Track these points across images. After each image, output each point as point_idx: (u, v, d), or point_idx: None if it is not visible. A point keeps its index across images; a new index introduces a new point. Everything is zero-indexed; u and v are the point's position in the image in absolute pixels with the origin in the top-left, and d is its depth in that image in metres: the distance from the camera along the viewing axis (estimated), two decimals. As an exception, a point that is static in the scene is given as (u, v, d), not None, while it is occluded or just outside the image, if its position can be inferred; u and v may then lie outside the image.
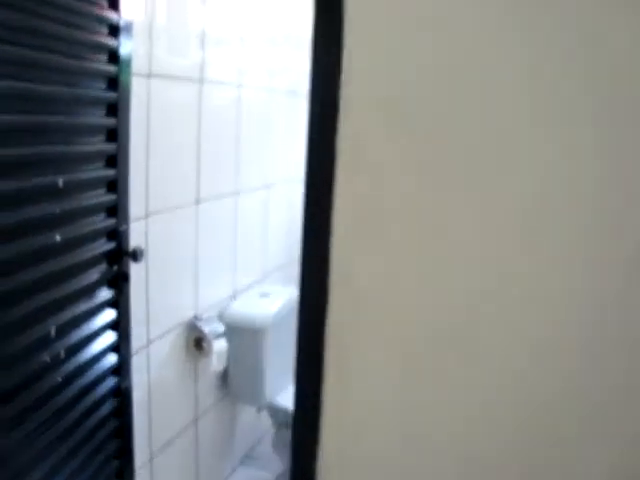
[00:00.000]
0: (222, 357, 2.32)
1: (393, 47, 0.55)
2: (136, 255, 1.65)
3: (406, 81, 0.55)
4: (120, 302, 1.65)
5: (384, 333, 0.60)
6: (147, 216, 1.89)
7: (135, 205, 1.75)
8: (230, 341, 2.36)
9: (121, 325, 1.66)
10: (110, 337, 1.64)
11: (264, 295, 2.66)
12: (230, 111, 2.39)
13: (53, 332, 1.42)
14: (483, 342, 0.62)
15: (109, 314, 1.63)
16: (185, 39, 2.02)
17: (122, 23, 1.53)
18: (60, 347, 1.45)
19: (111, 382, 1.68)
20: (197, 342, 2.27)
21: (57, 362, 1.44)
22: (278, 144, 2.88)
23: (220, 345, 2.29)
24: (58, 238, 1.39)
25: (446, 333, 0.59)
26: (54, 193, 1.39)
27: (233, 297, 2.58)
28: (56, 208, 1.40)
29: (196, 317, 2.28)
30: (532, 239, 0.58)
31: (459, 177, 0.56)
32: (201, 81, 2.12)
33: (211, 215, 2.31)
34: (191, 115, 2.10)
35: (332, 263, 0.56)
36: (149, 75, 1.81)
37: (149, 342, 2.00)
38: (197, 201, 2.20)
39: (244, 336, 2.45)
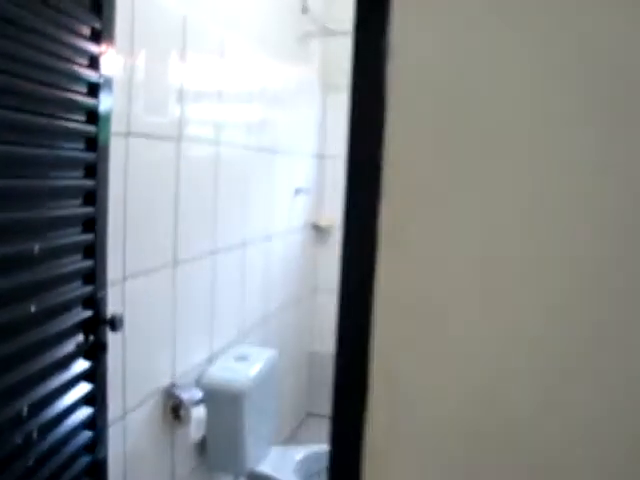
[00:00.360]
0: (201, 425, 2.21)
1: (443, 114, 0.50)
2: (115, 323, 1.56)
3: (456, 157, 0.49)
4: (97, 374, 1.54)
5: (428, 441, 0.53)
6: (124, 280, 1.80)
7: (112, 269, 1.67)
8: (208, 407, 2.25)
9: (97, 399, 1.55)
10: (85, 412, 1.53)
11: (242, 358, 2.56)
12: (208, 169, 2.33)
13: (25, 411, 1.31)
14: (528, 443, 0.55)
15: (85, 387, 1.52)
16: (164, 96, 1.97)
17: (102, 81, 1.47)
18: (33, 426, 1.34)
19: (85, 460, 1.56)
20: (174, 410, 2.15)
21: (29, 443, 1.33)
22: (255, 201, 2.82)
23: (198, 412, 2.18)
24: (33, 309, 1.30)
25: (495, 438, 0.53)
26: (29, 260, 1.30)
27: (210, 360, 2.48)
28: (31, 276, 1.31)
29: (173, 384, 2.18)
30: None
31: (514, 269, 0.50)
32: (179, 139, 2.07)
33: (189, 276, 2.23)
34: (169, 174, 2.03)
35: (373, 358, 0.50)
36: (127, 134, 1.75)
37: (125, 413, 1.88)
38: (175, 262, 2.11)
39: (222, 402, 2.34)
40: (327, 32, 3.41)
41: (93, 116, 1.46)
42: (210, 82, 2.28)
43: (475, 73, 0.50)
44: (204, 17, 2.19)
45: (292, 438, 3.78)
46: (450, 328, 0.51)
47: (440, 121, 0.50)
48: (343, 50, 3.57)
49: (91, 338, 1.53)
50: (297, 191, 3.49)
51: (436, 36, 0.50)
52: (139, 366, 1.94)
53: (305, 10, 3.24)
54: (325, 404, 3.89)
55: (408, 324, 0.50)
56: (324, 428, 3.76)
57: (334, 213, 3.91)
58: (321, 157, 3.87)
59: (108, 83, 1.51)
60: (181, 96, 2.06)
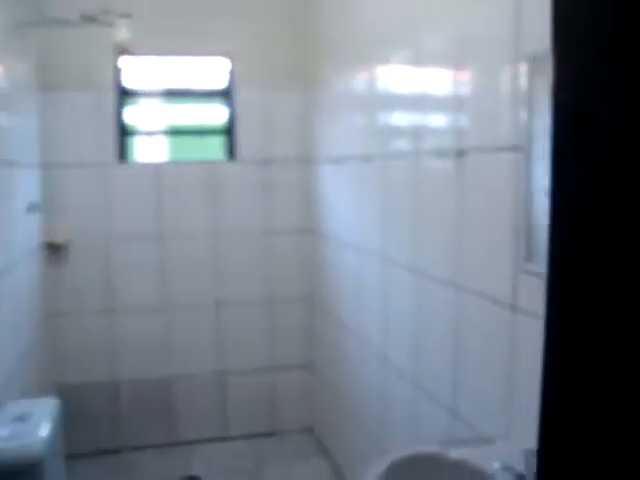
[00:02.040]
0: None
1: None
2: None
3: None
4: None
5: None
6: None
7: None
8: (-1, 489, 1.79)
9: None
10: None
11: (21, 418, 2.09)
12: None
13: None
14: None
15: None
16: None
17: None
18: None
19: None
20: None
21: None
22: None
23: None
24: None
25: None
26: None
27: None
28: None
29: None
30: None
31: None
32: None
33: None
34: None
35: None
36: None
37: None
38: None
39: (17, 477, 1.88)
40: (45, 21, 2.93)
41: None
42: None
43: None
44: None
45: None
46: None
47: None
48: (63, 42, 3.11)
49: None
50: (30, 207, 2.99)
51: None
52: None
53: (21, -5, 2.75)
54: (85, 443, 3.35)
55: None
56: (90, 470, 3.23)
57: (68, 228, 3.46)
58: (48, 166, 3.37)
59: None
60: None
